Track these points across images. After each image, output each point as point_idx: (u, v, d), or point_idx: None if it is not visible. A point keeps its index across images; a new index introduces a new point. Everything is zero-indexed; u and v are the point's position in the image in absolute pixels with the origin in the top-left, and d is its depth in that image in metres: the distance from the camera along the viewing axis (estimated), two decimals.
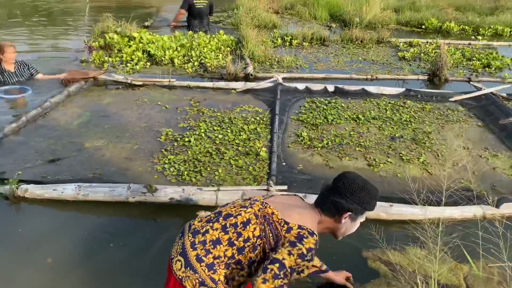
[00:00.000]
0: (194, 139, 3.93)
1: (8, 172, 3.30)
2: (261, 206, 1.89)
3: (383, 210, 3.08)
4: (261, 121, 4.37)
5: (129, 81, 5.09)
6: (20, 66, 5.11)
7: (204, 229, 1.83)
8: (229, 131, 4.12)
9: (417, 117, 4.64)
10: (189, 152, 3.73)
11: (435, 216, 3.08)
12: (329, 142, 4.04)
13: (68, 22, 8.27)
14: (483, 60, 6.57)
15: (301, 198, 2.11)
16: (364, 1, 8.73)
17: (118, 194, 3.06)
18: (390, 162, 3.78)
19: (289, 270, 1.68)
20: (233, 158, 3.68)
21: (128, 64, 5.67)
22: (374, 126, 4.42)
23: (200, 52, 6.01)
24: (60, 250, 2.65)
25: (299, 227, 1.79)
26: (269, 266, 1.67)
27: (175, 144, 3.86)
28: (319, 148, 3.94)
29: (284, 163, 3.67)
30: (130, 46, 6.03)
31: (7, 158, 3.53)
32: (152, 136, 4.00)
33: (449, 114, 4.80)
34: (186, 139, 3.92)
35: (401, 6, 9.91)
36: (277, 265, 1.67)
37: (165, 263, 1.97)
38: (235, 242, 1.79)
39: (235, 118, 4.39)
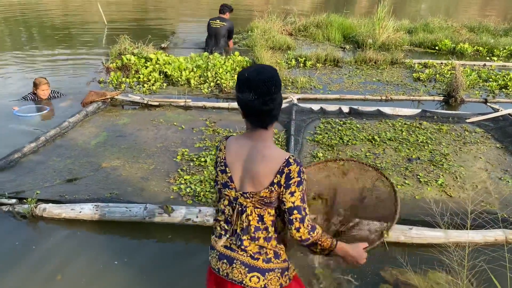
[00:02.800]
0: (210, 159, 3.93)
1: (27, 192, 3.34)
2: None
3: (402, 233, 3.02)
4: (277, 142, 4.36)
5: (145, 102, 5.15)
6: (53, 94, 5.38)
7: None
8: None
9: (433, 139, 4.60)
10: (205, 172, 3.74)
11: (456, 240, 3.02)
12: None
13: (87, 44, 8.47)
14: (500, 81, 6.53)
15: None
16: (377, 23, 8.78)
17: (135, 214, 3.06)
18: (408, 184, 3.73)
19: (303, 204, 1.55)
20: None
21: (145, 85, 5.75)
22: (390, 147, 4.39)
23: (216, 73, 6.08)
24: (72, 268, 2.66)
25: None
26: (291, 217, 1.55)
27: (191, 164, 3.87)
28: None
29: None
30: (147, 67, 6.13)
31: (26, 178, 3.57)
32: (168, 156, 4.02)
33: (466, 135, 4.74)
34: (202, 159, 3.93)
35: (414, 28, 9.95)
36: (295, 211, 1.54)
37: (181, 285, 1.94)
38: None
39: None
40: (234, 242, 1.66)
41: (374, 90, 6.08)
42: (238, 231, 1.65)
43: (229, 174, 1.63)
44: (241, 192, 1.62)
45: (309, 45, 8.39)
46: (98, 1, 11.10)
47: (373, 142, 4.47)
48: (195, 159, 3.95)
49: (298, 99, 5.42)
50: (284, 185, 1.54)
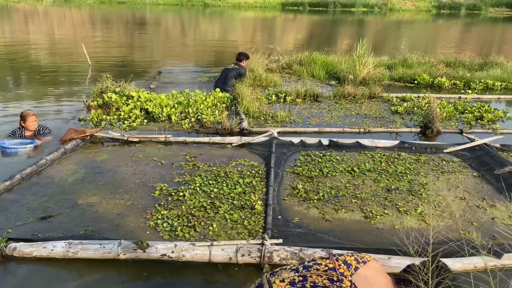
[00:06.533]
0: (189, 194, 3.90)
1: None
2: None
3: (382, 263, 2.98)
4: (257, 175, 4.37)
5: (125, 138, 5.14)
6: (40, 128, 5.36)
7: None
8: (224, 184, 4.11)
9: (412, 169, 4.65)
10: (183, 206, 3.69)
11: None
12: (325, 194, 4.02)
13: (70, 83, 8.52)
14: (475, 112, 6.71)
15: (391, 279, 1.89)
16: (356, 60, 9.05)
17: (109, 251, 2.98)
18: (387, 214, 3.73)
19: None
20: (228, 212, 3.63)
21: (126, 122, 5.76)
22: (369, 178, 4.41)
23: (197, 108, 6.14)
24: None
25: None
26: None
27: (169, 199, 3.83)
28: (315, 201, 3.90)
29: (280, 217, 3.62)
30: (128, 105, 6.17)
31: None
32: (146, 192, 3.97)
33: (444, 165, 4.81)
34: (181, 194, 3.89)
35: (394, 63, 10.27)
36: None
37: None
38: None
39: (230, 172, 4.39)
40: None
41: (353, 123, 6.18)
42: None
43: None
44: None
45: (296, 82, 8.56)
46: (82, 43, 11.28)
47: (353, 173, 4.50)
48: (173, 193, 3.91)
49: (278, 133, 5.47)
50: None
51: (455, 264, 3.04)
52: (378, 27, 25.46)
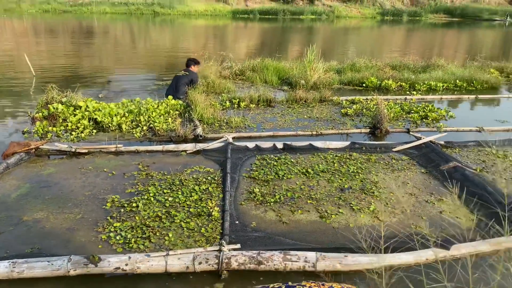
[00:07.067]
0: (143, 204, 3.79)
1: None
2: None
3: (338, 261, 3.04)
4: (213, 181, 4.32)
5: (73, 150, 4.93)
6: None
7: None
8: (179, 193, 4.03)
9: (363, 168, 4.78)
10: (136, 217, 3.58)
11: (391, 263, 3.09)
12: (281, 196, 4.04)
13: (13, 95, 8.06)
14: (420, 112, 7.03)
15: None
16: (307, 65, 9.24)
17: (58, 268, 2.83)
18: (342, 212, 3.81)
19: None
20: (184, 221, 3.56)
21: (73, 133, 5.52)
22: (323, 178, 4.49)
23: (148, 117, 6.00)
24: None
25: None
26: None
27: (122, 210, 3.70)
28: (271, 204, 3.92)
29: (237, 222, 3.60)
30: (75, 115, 5.92)
31: None
32: (97, 204, 3.81)
33: (393, 163, 4.99)
34: (134, 205, 3.77)
35: (343, 68, 10.58)
36: None
37: None
38: None
39: (185, 179, 4.31)
40: None
41: (305, 126, 6.29)
42: None
43: None
44: None
45: (249, 88, 8.59)
46: (25, 53, 10.74)
47: (307, 175, 4.56)
48: (126, 205, 3.78)
49: (233, 138, 5.46)
50: None
51: (408, 257, 3.15)
52: (327, 33, 26.21)
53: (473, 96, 8.67)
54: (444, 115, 7.06)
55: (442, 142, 5.61)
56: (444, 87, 9.40)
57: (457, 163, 4.83)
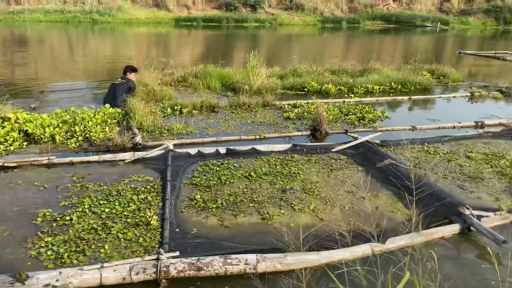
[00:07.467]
0: (77, 217, 3.61)
1: None
2: None
3: (279, 262, 3.06)
4: (152, 190, 4.21)
5: (1, 163, 4.61)
6: None
7: None
8: (116, 203, 3.88)
9: (304, 169, 4.88)
10: (70, 231, 3.40)
11: (328, 260, 3.16)
12: (223, 201, 4.02)
13: None
14: (358, 114, 7.31)
15: None
16: (250, 71, 9.32)
17: None
18: (283, 213, 3.85)
19: None
20: (122, 231, 3.44)
21: (1, 146, 5.17)
22: (266, 181, 4.53)
23: (84, 126, 5.75)
24: None
25: None
26: None
27: (54, 224, 3.50)
28: (213, 209, 3.88)
29: (177, 229, 3.52)
30: (4, 127, 5.55)
31: None
32: (26, 220, 3.58)
33: (333, 163, 5.13)
34: (67, 218, 3.59)
35: (285, 73, 10.77)
36: None
37: None
38: None
39: (123, 189, 4.17)
40: None
41: (249, 130, 6.32)
42: None
43: None
44: None
45: (192, 94, 8.49)
46: None
47: (250, 178, 4.58)
48: (59, 218, 3.59)
49: (175, 145, 5.37)
50: None
51: (345, 253, 3.23)
52: (271, 40, 26.65)
53: (407, 97, 9.16)
54: (380, 116, 7.38)
55: (378, 141, 5.86)
56: (380, 89, 9.84)
57: (391, 161, 5.06)
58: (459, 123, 7.04)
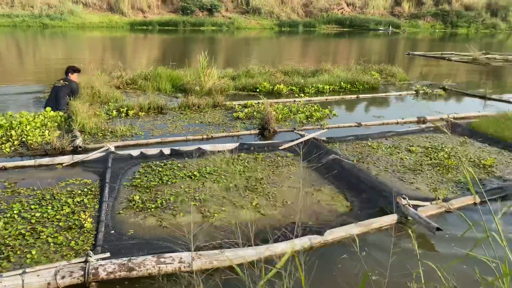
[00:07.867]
0: (4, 223, 3.42)
1: None
2: None
3: (215, 258, 3.01)
4: (89, 192, 4.06)
5: None
6: None
7: None
8: (49, 207, 3.70)
9: (250, 167, 4.87)
10: None
11: (268, 254, 3.15)
12: (163, 201, 3.93)
13: None
14: (306, 112, 7.40)
15: None
16: (201, 72, 9.24)
17: None
18: (224, 210, 3.82)
19: None
20: (52, 236, 3.28)
21: None
22: (209, 180, 4.48)
23: (22, 130, 5.48)
24: None
25: None
26: None
27: None
28: (152, 210, 3.79)
29: (112, 231, 3.40)
30: None
31: None
32: None
33: (279, 160, 5.16)
34: None
35: (238, 74, 10.77)
36: None
37: None
38: None
39: (58, 193, 3.99)
40: None
41: (196, 131, 6.24)
42: None
43: None
44: None
45: (141, 96, 8.30)
46: None
47: (193, 177, 4.51)
48: None
49: (116, 147, 5.21)
50: None
51: (284, 246, 3.23)
52: (229, 44, 26.62)
53: (354, 96, 9.39)
54: (328, 114, 7.51)
55: (324, 138, 5.95)
56: (330, 89, 10.03)
57: (336, 156, 5.14)
58: (402, 119, 7.28)
